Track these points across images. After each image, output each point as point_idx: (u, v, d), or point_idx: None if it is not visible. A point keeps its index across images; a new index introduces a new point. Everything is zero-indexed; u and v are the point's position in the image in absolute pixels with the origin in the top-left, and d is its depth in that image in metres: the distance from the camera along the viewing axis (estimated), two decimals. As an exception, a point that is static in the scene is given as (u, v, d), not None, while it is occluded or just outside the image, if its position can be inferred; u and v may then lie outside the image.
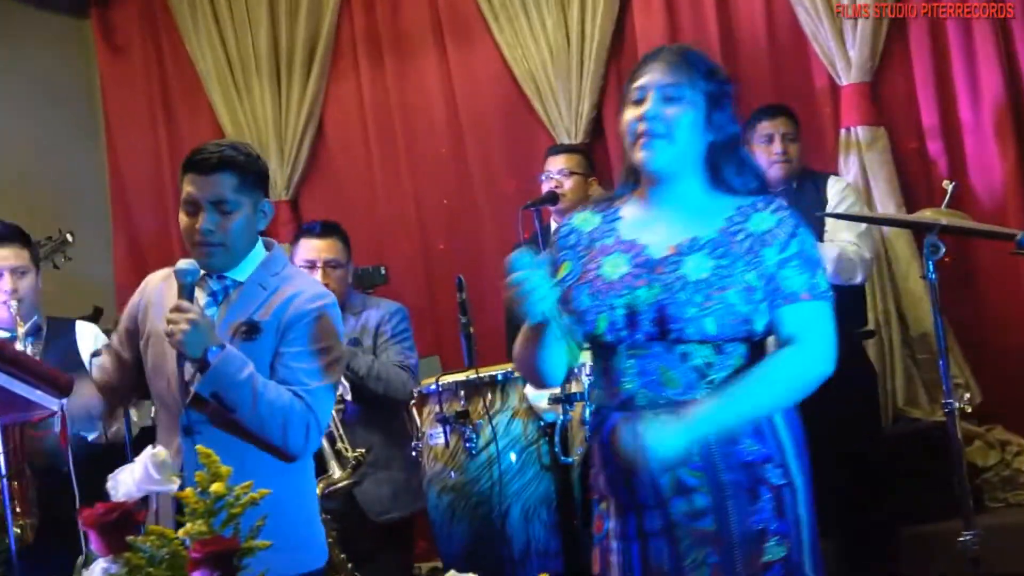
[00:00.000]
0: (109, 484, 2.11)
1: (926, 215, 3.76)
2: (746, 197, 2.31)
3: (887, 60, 5.11)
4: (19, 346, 3.59)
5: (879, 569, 4.32)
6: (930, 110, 5.07)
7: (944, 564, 4.12)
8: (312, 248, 4.11)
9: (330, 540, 3.55)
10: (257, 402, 2.59)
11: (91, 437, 3.70)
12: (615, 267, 2.30)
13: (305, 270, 4.00)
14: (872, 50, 5.02)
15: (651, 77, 2.28)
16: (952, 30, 4.99)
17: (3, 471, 2.64)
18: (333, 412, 3.65)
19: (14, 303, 3.70)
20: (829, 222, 4.33)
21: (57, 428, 2.73)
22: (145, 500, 2.26)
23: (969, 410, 3.78)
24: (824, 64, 5.14)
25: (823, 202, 4.40)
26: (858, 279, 4.35)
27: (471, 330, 3.90)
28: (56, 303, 4.84)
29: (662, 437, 2.13)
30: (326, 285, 3.89)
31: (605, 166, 5.47)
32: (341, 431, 3.82)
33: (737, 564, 2.18)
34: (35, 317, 3.87)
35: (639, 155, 2.27)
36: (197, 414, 2.67)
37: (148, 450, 2.10)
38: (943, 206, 3.86)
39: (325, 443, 3.72)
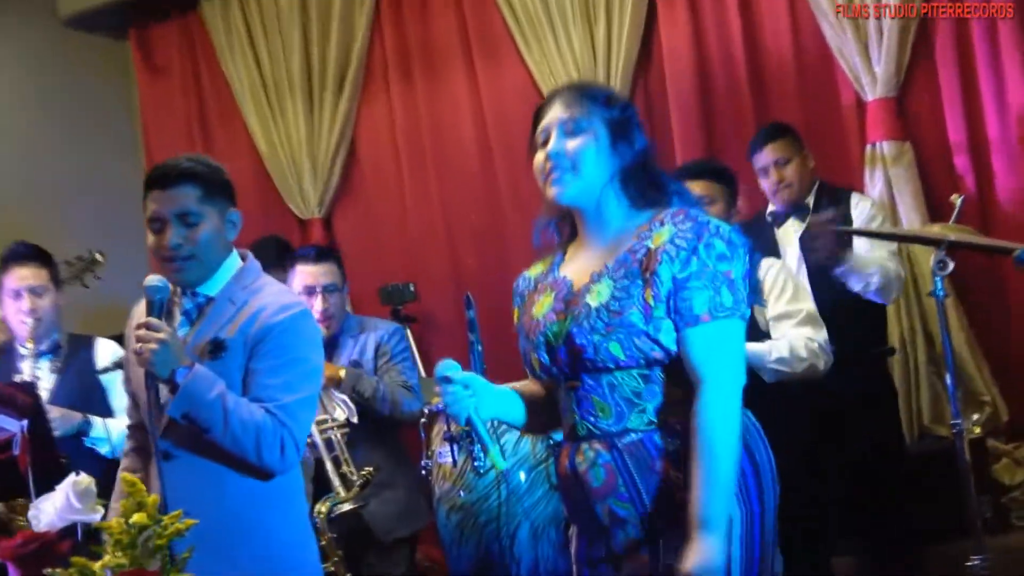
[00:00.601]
0: (31, 513, 2.11)
1: (934, 230, 3.73)
2: (662, 209, 2.30)
3: (912, 75, 5.09)
4: (27, 365, 3.70)
5: None
6: (956, 125, 5.04)
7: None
8: (309, 274, 4.13)
9: (335, 559, 3.67)
10: (228, 421, 2.55)
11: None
12: (542, 306, 2.35)
13: (303, 297, 4.01)
14: (897, 65, 5.01)
15: (551, 116, 2.32)
16: (978, 45, 4.96)
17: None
18: (339, 435, 3.83)
19: (31, 321, 3.79)
20: (856, 240, 4.25)
21: (17, 451, 2.72)
22: (68, 529, 2.23)
23: (978, 431, 3.73)
24: (850, 79, 5.14)
25: (846, 220, 4.33)
26: (892, 296, 4.30)
27: (479, 348, 3.93)
28: (92, 321, 5.01)
29: (710, 565, 2.09)
30: (325, 310, 4.05)
31: None
32: (346, 454, 3.84)
33: None
34: (54, 335, 3.96)
35: (550, 191, 2.30)
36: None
37: (71, 478, 2.11)
38: (951, 221, 3.86)
39: (329, 465, 3.77)
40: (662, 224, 2.24)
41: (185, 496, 2.45)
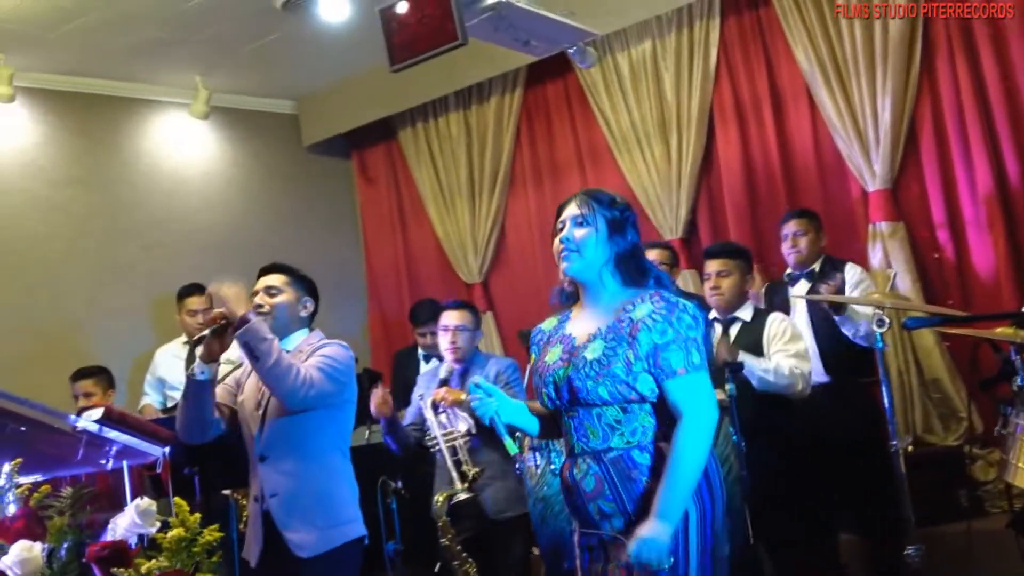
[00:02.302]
0: (109, 526, 2.23)
1: (874, 297, 3.79)
2: (643, 290, 2.33)
3: (903, 170, 5.19)
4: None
5: (889, 557, 4.14)
6: (939, 208, 5.11)
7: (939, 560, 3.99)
8: (447, 316, 4.18)
9: (449, 535, 3.86)
10: (277, 356, 2.76)
11: None
12: (553, 355, 2.38)
13: (440, 332, 4.17)
14: (892, 164, 5.13)
15: (567, 212, 2.39)
16: (955, 147, 5.04)
17: (129, 498, 2.64)
18: (461, 442, 3.96)
19: None
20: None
21: (160, 469, 2.97)
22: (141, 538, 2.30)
23: (911, 450, 3.70)
24: (856, 176, 5.28)
25: (842, 282, 4.34)
26: (872, 341, 4.04)
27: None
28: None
29: (655, 545, 2.15)
30: (453, 343, 4.13)
31: (698, 254, 5.52)
32: (466, 456, 3.94)
33: (637, 570, 2.20)
34: None
35: (561, 266, 2.36)
36: (264, 445, 2.90)
37: (135, 501, 2.21)
38: (887, 290, 3.91)
39: (450, 462, 3.92)
40: (642, 301, 2.29)
41: (275, 483, 2.90)
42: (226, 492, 4.20)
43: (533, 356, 2.46)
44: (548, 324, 2.49)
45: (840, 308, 4.19)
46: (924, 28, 5.08)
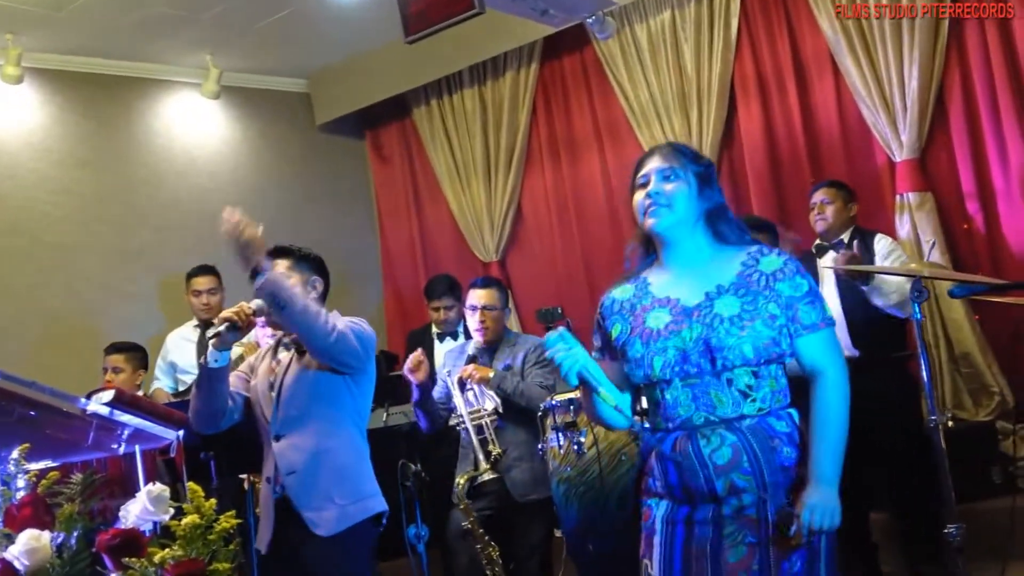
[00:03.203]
0: (121, 513, 2.14)
1: (911, 267, 3.63)
2: (749, 246, 2.20)
3: (931, 140, 5.07)
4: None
5: (923, 535, 4.10)
6: (968, 178, 4.99)
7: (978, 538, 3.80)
8: (475, 295, 4.10)
9: (471, 518, 3.76)
10: (301, 301, 2.71)
11: None
12: (658, 319, 2.18)
13: (468, 311, 4.11)
14: (919, 133, 5.00)
15: (651, 165, 2.22)
16: (984, 114, 4.92)
17: (142, 484, 2.54)
18: (487, 421, 3.88)
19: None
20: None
21: (174, 453, 2.91)
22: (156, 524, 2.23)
23: (951, 425, 3.52)
24: (882, 146, 5.16)
25: (871, 253, 4.26)
26: (909, 311, 3.89)
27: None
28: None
29: (827, 509, 2.06)
30: (482, 322, 4.04)
31: None
32: (493, 435, 3.87)
33: (770, 545, 2.08)
34: None
35: (648, 222, 2.18)
36: (279, 424, 2.82)
37: (147, 487, 2.13)
38: (926, 259, 3.73)
39: (475, 441, 3.82)
40: (763, 255, 2.17)
41: (292, 461, 2.82)
42: (243, 476, 4.07)
43: (618, 325, 2.23)
44: (623, 291, 2.28)
45: (868, 278, 4.07)
46: (953, -9, 4.92)
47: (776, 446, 2.10)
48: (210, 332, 2.75)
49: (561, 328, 2.16)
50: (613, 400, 2.14)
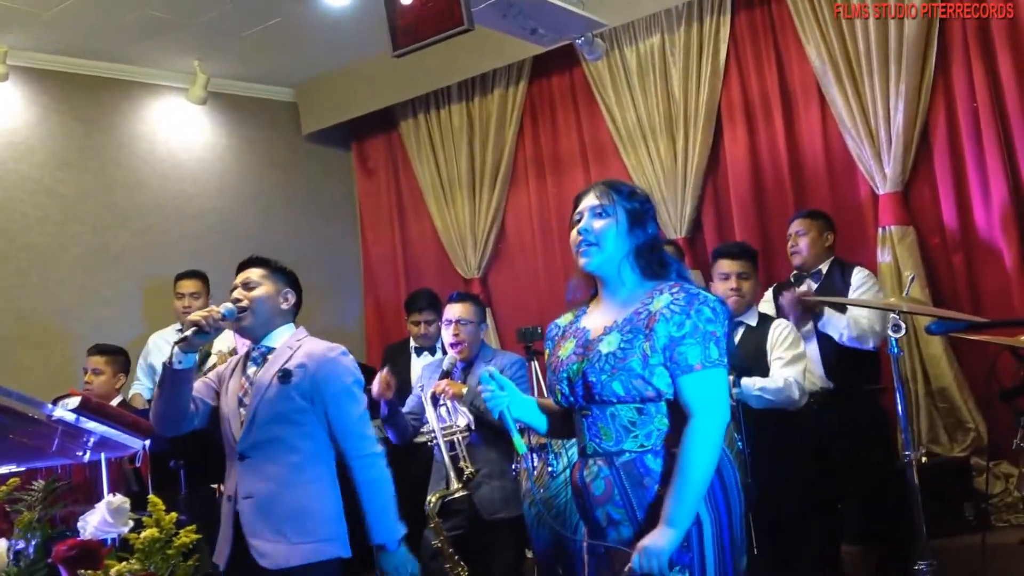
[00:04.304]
0: (79, 524, 2.08)
1: (891, 301, 3.60)
2: (665, 283, 2.22)
3: (915, 173, 5.05)
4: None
5: (895, 569, 4.08)
6: (950, 213, 4.98)
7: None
8: (450, 310, 4.07)
9: (442, 537, 3.68)
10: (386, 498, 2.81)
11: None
12: (566, 349, 2.26)
13: (444, 326, 4.07)
14: (903, 166, 4.99)
15: (585, 203, 2.27)
16: (968, 150, 4.90)
17: (106, 491, 2.51)
18: (460, 438, 3.83)
19: None
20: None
21: (139, 463, 2.85)
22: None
23: (924, 461, 3.55)
24: (866, 178, 5.14)
25: (847, 285, 4.28)
26: (870, 345, 4.16)
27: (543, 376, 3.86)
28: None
29: (656, 552, 2.05)
30: (456, 335, 3.99)
31: (703, 253, 5.57)
32: (464, 452, 3.80)
33: None
34: None
35: (580, 261, 2.24)
36: (247, 445, 2.75)
37: (107, 498, 2.07)
38: (904, 294, 3.74)
39: (447, 459, 3.74)
40: (661, 293, 2.18)
41: (252, 485, 2.74)
42: (214, 486, 4.05)
43: (547, 351, 2.35)
44: (564, 319, 2.38)
45: (819, 313, 4.11)
46: (940, 27, 4.94)
47: (647, 484, 2.12)
48: (177, 336, 2.71)
49: (493, 368, 2.26)
50: (522, 447, 2.21)
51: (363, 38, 5.83)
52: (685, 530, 2.07)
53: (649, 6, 5.63)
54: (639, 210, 2.26)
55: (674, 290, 2.18)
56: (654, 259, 2.25)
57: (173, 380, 2.73)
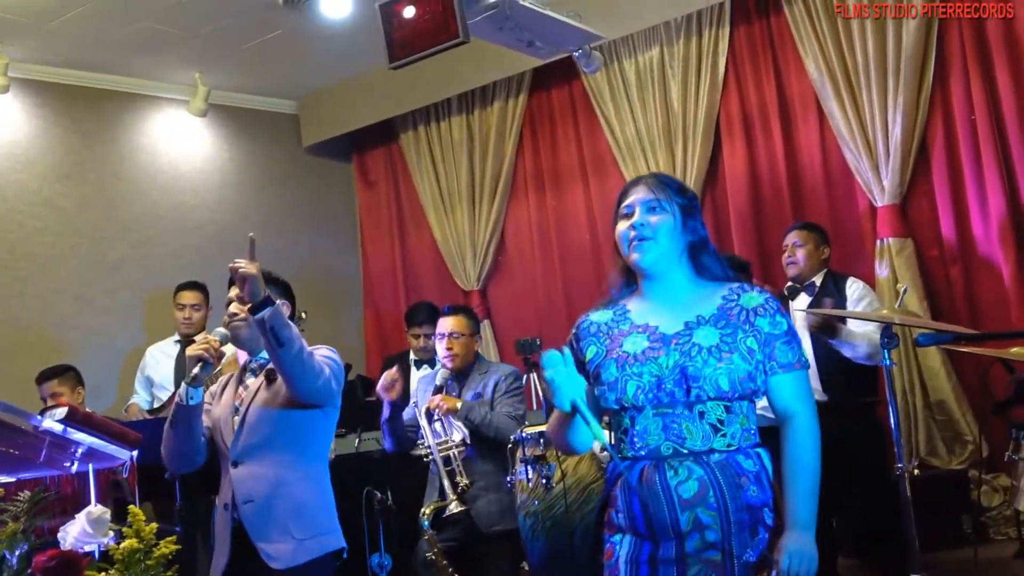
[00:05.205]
0: (60, 535, 2.06)
1: (883, 313, 3.59)
2: (731, 283, 2.17)
3: (913, 186, 5.05)
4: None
5: None
6: (948, 225, 4.98)
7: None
8: (443, 323, 4.07)
9: (436, 549, 3.69)
10: (299, 343, 2.62)
11: None
12: (635, 344, 2.12)
13: (437, 339, 4.08)
14: (901, 179, 4.99)
15: (636, 196, 2.17)
16: (966, 163, 4.90)
17: (93, 501, 2.50)
18: (455, 452, 3.82)
19: None
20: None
21: (126, 474, 2.83)
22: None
23: (917, 473, 3.50)
24: (864, 190, 5.14)
25: (843, 297, 4.24)
26: (878, 361, 3.95)
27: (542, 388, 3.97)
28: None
29: (805, 555, 2.01)
30: (449, 348, 4.01)
31: None
32: (460, 467, 3.78)
33: None
34: None
35: (633, 256, 2.14)
36: (239, 450, 2.75)
37: (88, 508, 2.06)
38: (897, 306, 3.71)
39: (443, 472, 3.75)
40: (745, 291, 2.14)
41: (251, 489, 2.74)
42: (213, 496, 4.03)
43: (592, 347, 2.16)
44: (601, 316, 2.21)
45: (834, 333, 4.04)
46: (938, 41, 4.95)
47: (743, 484, 2.04)
48: (175, 348, 2.70)
49: (566, 349, 2.04)
50: (604, 439, 1.98)
51: (364, 50, 5.84)
52: (814, 530, 2.05)
53: (648, 19, 5.65)
54: (690, 205, 2.20)
55: (760, 290, 2.17)
56: (710, 256, 2.19)
57: (187, 416, 2.73)
